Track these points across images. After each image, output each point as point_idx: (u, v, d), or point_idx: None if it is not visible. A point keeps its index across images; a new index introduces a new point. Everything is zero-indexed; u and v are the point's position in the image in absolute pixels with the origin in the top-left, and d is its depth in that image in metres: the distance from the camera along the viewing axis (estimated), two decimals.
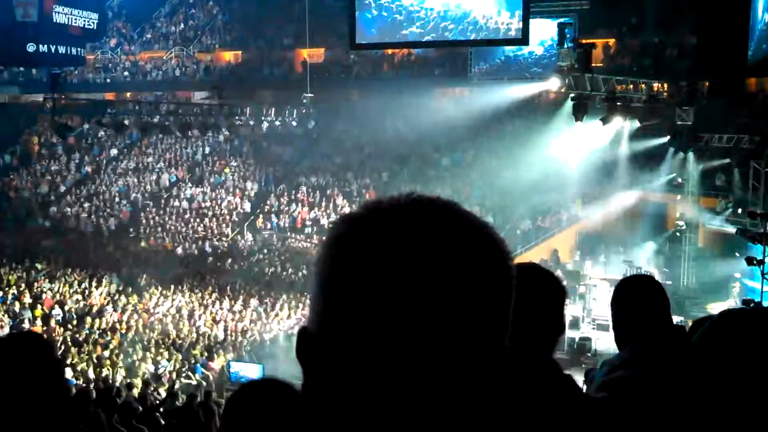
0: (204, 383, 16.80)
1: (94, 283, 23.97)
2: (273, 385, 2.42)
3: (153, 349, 18.72)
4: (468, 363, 0.82)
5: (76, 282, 24.16)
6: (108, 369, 17.62)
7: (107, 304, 22.24)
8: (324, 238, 0.90)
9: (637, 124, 22.77)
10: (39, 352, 2.28)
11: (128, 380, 16.35)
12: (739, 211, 21.43)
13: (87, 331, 19.90)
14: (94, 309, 21.88)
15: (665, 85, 23.50)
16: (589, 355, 18.17)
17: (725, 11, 22.55)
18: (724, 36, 23.90)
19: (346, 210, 28.96)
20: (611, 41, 28.43)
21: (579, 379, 10.65)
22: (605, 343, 17.21)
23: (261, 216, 29.46)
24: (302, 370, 0.88)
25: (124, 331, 19.92)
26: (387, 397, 0.81)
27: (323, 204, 29.24)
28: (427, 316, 0.80)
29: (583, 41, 22.88)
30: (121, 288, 23.60)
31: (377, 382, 0.81)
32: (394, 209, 0.85)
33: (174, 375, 17.50)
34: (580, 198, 25.62)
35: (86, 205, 31.32)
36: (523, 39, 24.13)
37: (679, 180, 23.51)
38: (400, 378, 0.80)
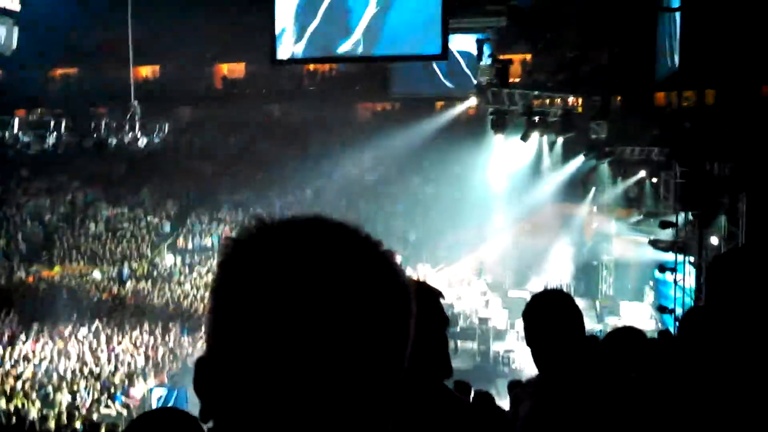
0: (125, 412, 16.25)
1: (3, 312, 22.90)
2: (170, 414, 2.34)
3: (69, 379, 17.99)
4: (360, 389, 0.79)
5: None
6: (21, 401, 16.81)
7: (20, 332, 21.26)
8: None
9: (555, 138, 23.38)
10: None
11: (43, 412, 15.65)
12: (651, 221, 22.24)
13: None
14: (5, 338, 20.89)
15: (580, 100, 24.23)
16: (513, 367, 18.47)
17: (634, 28, 23.45)
18: (634, 52, 24.86)
19: None
20: (528, 57, 29.16)
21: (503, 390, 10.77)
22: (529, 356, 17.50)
23: (182, 236, 28.84)
24: (198, 398, 0.84)
25: (38, 362, 19.07)
26: (276, 425, 0.78)
27: (246, 222, 28.86)
28: (315, 339, 0.76)
29: (501, 57, 23.35)
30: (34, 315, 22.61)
31: (265, 410, 0.77)
32: (281, 229, 0.83)
33: (93, 405, 16.84)
34: (502, 213, 26.10)
35: None
36: (442, 54, 24.45)
37: (594, 192, 24.26)
38: (288, 405, 0.77)
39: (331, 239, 0.81)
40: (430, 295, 2.08)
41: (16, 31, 32.16)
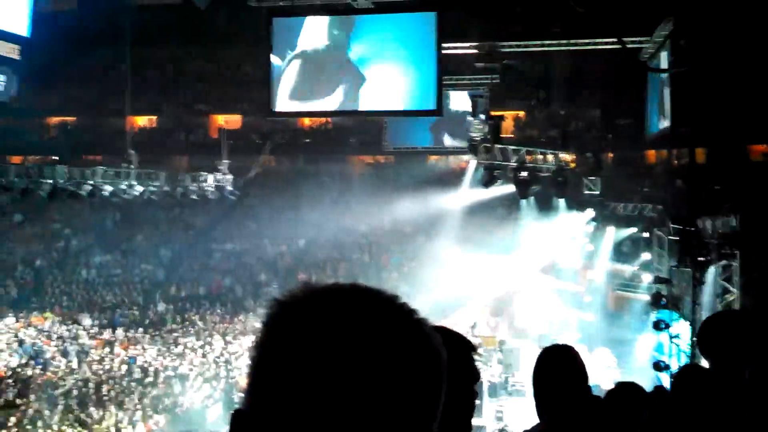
0: None
1: None
2: None
3: (56, 425, 17.66)
4: None
5: None
6: None
7: (8, 378, 20.94)
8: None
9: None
10: None
11: None
12: (645, 275, 22.33)
13: None
14: None
15: (572, 156, 24.57)
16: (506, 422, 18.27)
17: (624, 87, 23.96)
18: (625, 110, 25.36)
19: (263, 279, 28.57)
20: (521, 113, 29.63)
21: None
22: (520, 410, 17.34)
23: (174, 284, 28.67)
24: None
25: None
26: None
27: (238, 271, 28.76)
28: (351, 403, 0.81)
29: (494, 113, 23.72)
30: (24, 362, 22.30)
31: None
32: (325, 295, 0.88)
33: None
34: (495, 263, 26.13)
35: None
36: (438, 110, 24.82)
37: (591, 247, 24.36)
38: None
39: (372, 308, 0.87)
40: (463, 348, 2.04)
41: (15, 79, 32.50)
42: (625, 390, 4.30)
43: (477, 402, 2.11)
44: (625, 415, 3.77)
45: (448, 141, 28.01)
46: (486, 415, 19.27)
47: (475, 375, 2.06)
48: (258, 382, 0.87)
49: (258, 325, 0.93)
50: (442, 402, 0.88)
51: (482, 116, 23.59)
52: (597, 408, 3.12)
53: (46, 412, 18.44)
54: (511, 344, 22.29)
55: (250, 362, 0.89)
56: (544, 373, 3.04)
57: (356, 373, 0.81)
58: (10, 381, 20.55)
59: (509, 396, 19.75)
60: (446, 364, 0.89)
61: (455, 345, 1.95)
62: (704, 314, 16.64)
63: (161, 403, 19.48)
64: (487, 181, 22.19)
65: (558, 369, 3.01)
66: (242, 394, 0.90)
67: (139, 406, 19.21)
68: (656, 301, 17.81)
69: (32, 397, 19.50)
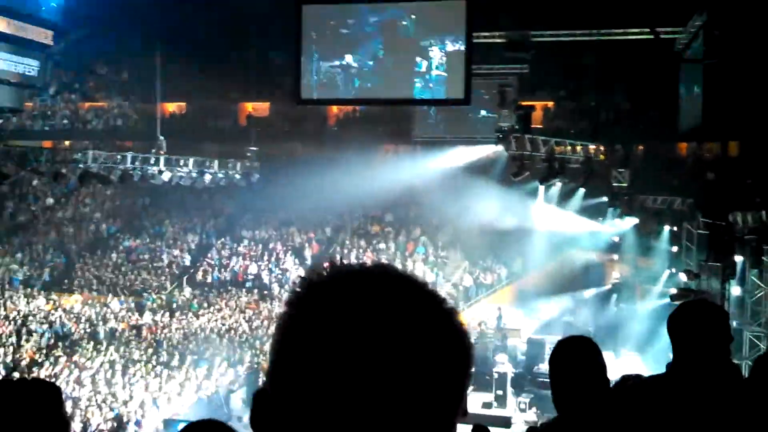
0: None
1: (24, 337, 23.05)
2: (214, 426, 2.33)
3: (84, 407, 17.98)
4: None
5: (4, 335, 23.18)
6: None
7: (38, 358, 21.36)
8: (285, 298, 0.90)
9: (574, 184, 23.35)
10: (48, 400, 2.10)
11: None
12: (673, 270, 22.02)
13: None
14: (23, 364, 20.97)
15: (601, 148, 24.29)
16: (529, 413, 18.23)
17: (656, 79, 23.61)
18: (656, 103, 25.00)
19: (289, 264, 28.74)
20: (550, 104, 29.32)
21: None
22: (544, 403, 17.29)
23: (201, 269, 28.97)
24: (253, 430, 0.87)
25: None
26: None
27: (265, 257, 28.96)
28: (376, 385, 0.79)
29: (523, 103, 23.52)
30: (52, 342, 22.74)
31: None
32: (354, 277, 0.86)
33: None
34: (521, 256, 26.01)
35: (18, 255, 30.30)
36: (465, 99, 24.69)
37: (617, 239, 24.11)
38: None
39: (399, 293, 0.84)
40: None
41: (49, 64, 32.96)
42: (632, 382, 4.24)
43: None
44: (634, 407, 3.73)
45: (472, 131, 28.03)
46: (510, 406, 19.26)
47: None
48: (280, 362, 0.85)
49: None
50: (467, 395, 0.86)
51: (511, 106, 23.42)
52: (614, 401, 3.08)
53: (73, 393, 18.76)
54: (535, 336, 22.18)
55: (272, 342, 0.88)
56: (560, 365, 3.00)
57: (380, 358, 0.79)
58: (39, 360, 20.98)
59: (534, 388, 19.68)
60: (473, 355, 0.87)
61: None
62: (733, 310, 16.42)
63: (183, 387, 19.72)
64: (516, 172, 22.02)
65: (575, 361, 2.96)
66: (265, 376, 0.89)
67: (165, 389, 19.48)
68: (684, 297, 17.57)
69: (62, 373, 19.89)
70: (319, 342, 0.81)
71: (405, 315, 0.82)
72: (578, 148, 23.57)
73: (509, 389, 19.63)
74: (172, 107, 35.95)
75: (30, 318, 24.65)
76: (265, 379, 0.88)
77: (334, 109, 32.13)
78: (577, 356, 2.98)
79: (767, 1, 16.55)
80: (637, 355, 21.19)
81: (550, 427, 3.21)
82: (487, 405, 19.21)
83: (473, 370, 0.87)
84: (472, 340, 0.88)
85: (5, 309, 25.58)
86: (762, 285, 14.97)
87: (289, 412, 0.82)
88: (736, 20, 16.80)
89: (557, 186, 23.49)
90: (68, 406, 17.73)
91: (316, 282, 0.87)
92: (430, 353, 0.82)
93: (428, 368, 0.81)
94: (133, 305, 26.54)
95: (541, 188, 22.80)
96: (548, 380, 3.09)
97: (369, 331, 0.80)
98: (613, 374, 3.21)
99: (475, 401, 19.48)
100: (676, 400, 2.77)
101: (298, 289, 0.87)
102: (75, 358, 21.40)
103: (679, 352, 2.86)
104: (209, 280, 28.47)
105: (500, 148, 24.72)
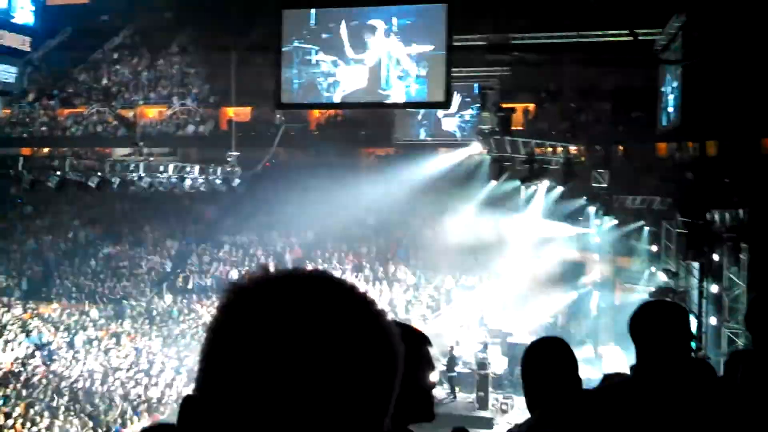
0: None
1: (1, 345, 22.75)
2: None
3: (62, 416, 17.75)
4: None
5: None
6: None
7: (15, 368, 21.08)
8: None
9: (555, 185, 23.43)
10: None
11: None
12: (653, 269, 22.14)
13: None
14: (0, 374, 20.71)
15: (582, 149, 24.40)
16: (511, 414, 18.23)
17: (636, 81, 23.78)
18: (635, 104, 25.18)
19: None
20: (531, 106, 29.43)
21: None
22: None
23: (182, 275, 28.75)
24: None
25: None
26: None
27: (246, 263, 28.79)
28: (301, 388, 0.79)
29: (504, 105, 23.59)
30: (31, 351, 22.45)
31: None
32: (282, 282, 0.87)
33: None
34: (502, 258, 26.01)
35: None
36: (446, 103, 24.71)
37: (597, 240, 24.21)
38: None
39: (326, 296, 0.85)
40: (415, 341, 2.13)
41: (26, 71, 32.69)
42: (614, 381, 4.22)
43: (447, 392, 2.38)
44: (615, 406, 3.70)
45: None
46: (492, 407, 19.27)
47: (428, 365, 2.19)
48: (209, 367, 0.85)
49: None
50: (395, 396, 0.86)
51: (492, 108, 23.47)
52: (587, 401, 3.05)
53: (52, 403, 18.52)
54: (516, 337, 22.19)
55: (201, 347, 0.87)
56: (532, 367, 3.00)
57: (308, 361, 0.80)
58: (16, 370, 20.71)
59: (514, 389, 19.69)
60: (402, 357, 0.87)
61: (410, 338, 2.04)
62: (711, 308, 16.51)
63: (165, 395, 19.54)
64: (497, 174, 22.06)
65: (547, 362, 2.96)
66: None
67: (144, 398, 19.28)
68: (664, 295, 17.67)
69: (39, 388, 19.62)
70: (246, 346, 0.81)
71: (331, 318, 0.83)
72: (558, 149, 23.65)
73: (491, 391, 19.64)
74: (152, 113, 35.74)
75: (8, 328, 24.35)
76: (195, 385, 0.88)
77: (316, 113, 32.04)
78: (547, 358, 2.98)
79: (745, 2, 16.73)
80: (621, 351, 21.32)
81: (521, 429, 3.19)
82: (469, 406, 19.22)
83: (400, 372, 0.87)
84: (401, 345, 0.88)
85: None
86: (740, 282, 15.06)
87: (216, 417, 0.82)
88: (714, 22, 16.99)
89: (538, 187, 23.56)
90: (46, 415, 17.52)
91: (245, 287, 0.87)
92: (356, 355, 0.83)
93: (354, 370, 0.82)
94: (112, 313, 26.30)
95: (523, 189, 22.85)
96: None
97: (296, 335, 0.81)
98: (596, 373, 3.20)
99: (458, 402, 19.51)
100: (642, 400, 2.75)
101: (228, 295, 0.88)
102: (53, 367, 21.16)
103: (641, 352, 2.86)
104: (190, 286, 28.25)
105: (482, 149, 24.86)
